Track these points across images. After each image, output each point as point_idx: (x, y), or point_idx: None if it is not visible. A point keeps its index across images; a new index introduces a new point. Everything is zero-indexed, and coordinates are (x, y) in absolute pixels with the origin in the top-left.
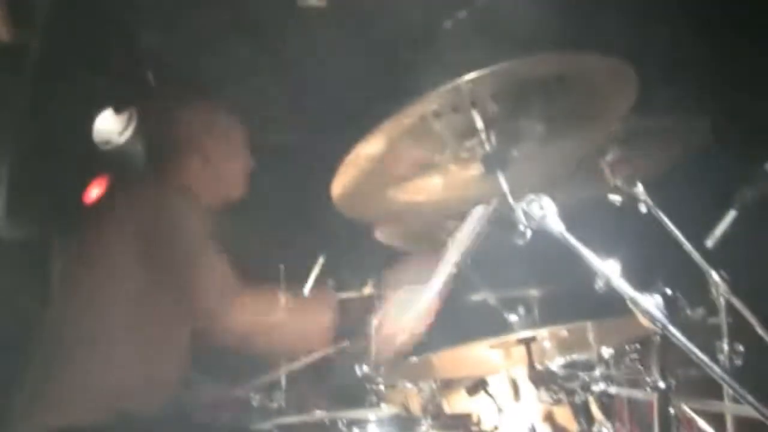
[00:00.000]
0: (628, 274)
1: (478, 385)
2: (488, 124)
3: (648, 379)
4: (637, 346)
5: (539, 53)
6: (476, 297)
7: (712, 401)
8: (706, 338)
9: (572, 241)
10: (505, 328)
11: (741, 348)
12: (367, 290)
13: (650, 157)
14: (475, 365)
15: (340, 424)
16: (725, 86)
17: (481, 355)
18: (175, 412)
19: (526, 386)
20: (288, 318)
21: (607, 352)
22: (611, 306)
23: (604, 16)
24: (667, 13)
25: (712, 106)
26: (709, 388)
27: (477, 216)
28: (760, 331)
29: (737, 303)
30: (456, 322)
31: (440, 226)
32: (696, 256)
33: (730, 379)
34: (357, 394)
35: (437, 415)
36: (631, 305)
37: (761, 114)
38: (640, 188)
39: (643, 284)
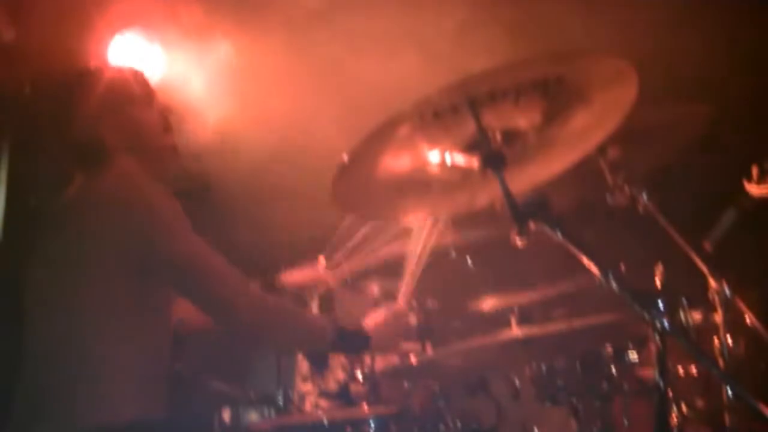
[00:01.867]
0: (627, 274)
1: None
2: (488, 124)
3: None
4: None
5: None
6: (477, 297)
7: None
8: (705, 337)
9: (572, 241)
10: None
11: (740, 347)
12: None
13: (649, 154)
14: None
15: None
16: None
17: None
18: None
19: (526, 386)
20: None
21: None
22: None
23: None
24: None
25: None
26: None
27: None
28: (759, 329)
29: (736, 302)
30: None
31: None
32: (695, 256)
33: (729, 378)
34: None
35: None
36: (630, 305)
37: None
38: (639, 188)
39: (643, 284)
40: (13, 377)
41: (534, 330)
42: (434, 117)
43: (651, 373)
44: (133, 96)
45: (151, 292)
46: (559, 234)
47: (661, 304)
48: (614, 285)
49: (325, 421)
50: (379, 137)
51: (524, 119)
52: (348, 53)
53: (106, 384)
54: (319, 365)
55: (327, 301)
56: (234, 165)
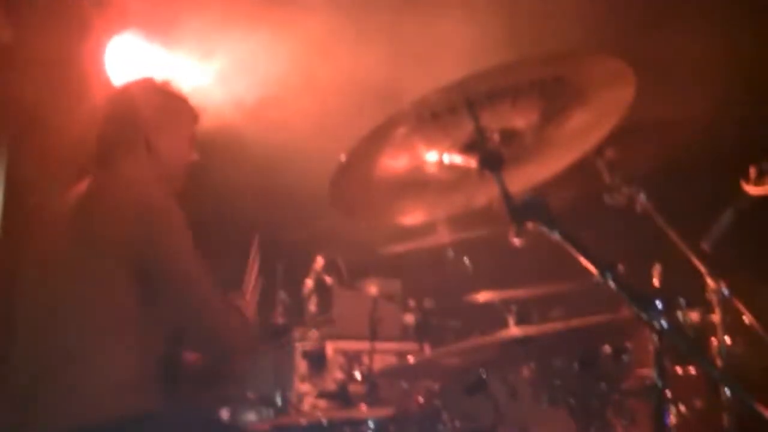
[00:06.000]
0: (625, 274)
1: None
2: (486, 125)
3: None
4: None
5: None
6: (476, 296)
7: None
8: (703, 337)
9: (570, 241)
10: (504, 326)
11: (738, 347)
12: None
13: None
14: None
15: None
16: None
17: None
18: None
19: (524, 386)
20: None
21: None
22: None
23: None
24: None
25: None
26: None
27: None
28: (757, 329)
29: (734, 302)
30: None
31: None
32: (693, 256)
33: (727, 378)
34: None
35: None
36: (629, 305)
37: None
38: (636, 188)
39: (641, 284)
40: (9, 374)
41: (532, 330)
42: (432, 117)
43: (649, 373)
44: (181, 111)
45: (150, 292)
46: (557, 234)
47: (659, 304)
48: (612, 285)
49: (324, 422)
50: (377, 138)
51: (522, 119)
52: (351, 52)
53: (104, 380)
54: (317, 365)
55: (324, 301)
56: (236, 164)
